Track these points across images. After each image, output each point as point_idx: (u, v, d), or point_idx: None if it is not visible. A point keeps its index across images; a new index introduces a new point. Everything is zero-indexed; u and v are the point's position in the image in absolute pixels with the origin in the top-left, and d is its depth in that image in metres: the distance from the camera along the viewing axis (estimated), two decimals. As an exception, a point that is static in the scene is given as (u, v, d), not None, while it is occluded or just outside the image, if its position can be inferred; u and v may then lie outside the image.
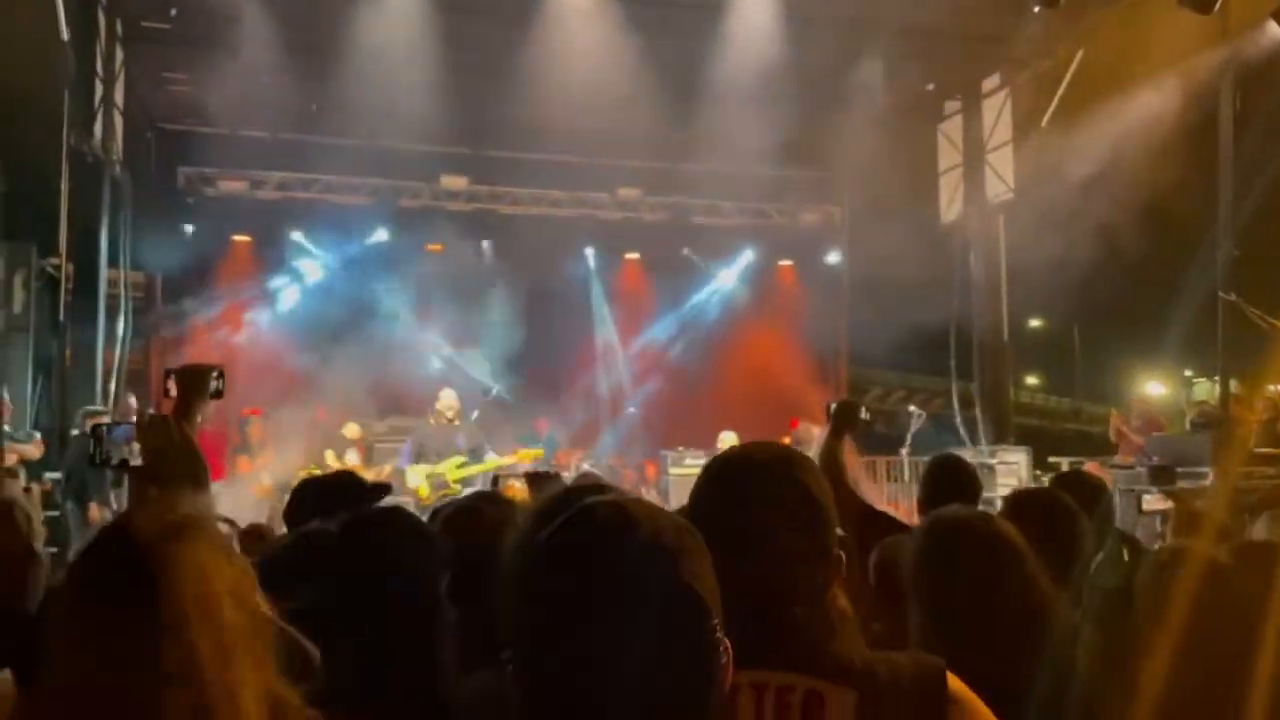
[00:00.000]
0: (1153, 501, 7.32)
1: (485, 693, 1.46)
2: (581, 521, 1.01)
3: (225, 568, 1.17)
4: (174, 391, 2.33)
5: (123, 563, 1.13)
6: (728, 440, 10.34)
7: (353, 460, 9.92)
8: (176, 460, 1.89)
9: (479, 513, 2.04)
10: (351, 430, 10.65)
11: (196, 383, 2.31)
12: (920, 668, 1.31)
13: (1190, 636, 1.64)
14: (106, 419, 8.69)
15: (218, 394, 2.36)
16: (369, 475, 8.45)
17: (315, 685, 1.24)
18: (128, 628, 1.09)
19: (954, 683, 1.31)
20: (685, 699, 0.96)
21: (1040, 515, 2.28)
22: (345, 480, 2.97)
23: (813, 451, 10.46)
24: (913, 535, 2.02)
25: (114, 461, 2.33)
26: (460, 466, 9.01)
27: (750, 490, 1.38)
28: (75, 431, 8.36)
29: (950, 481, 3.16)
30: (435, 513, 2.70)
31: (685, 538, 1.02)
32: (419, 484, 8.92)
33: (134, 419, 8.22)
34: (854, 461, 3.51)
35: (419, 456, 9.16)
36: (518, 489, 2.73)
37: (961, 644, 1.60)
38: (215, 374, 2.34)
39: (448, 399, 9.37)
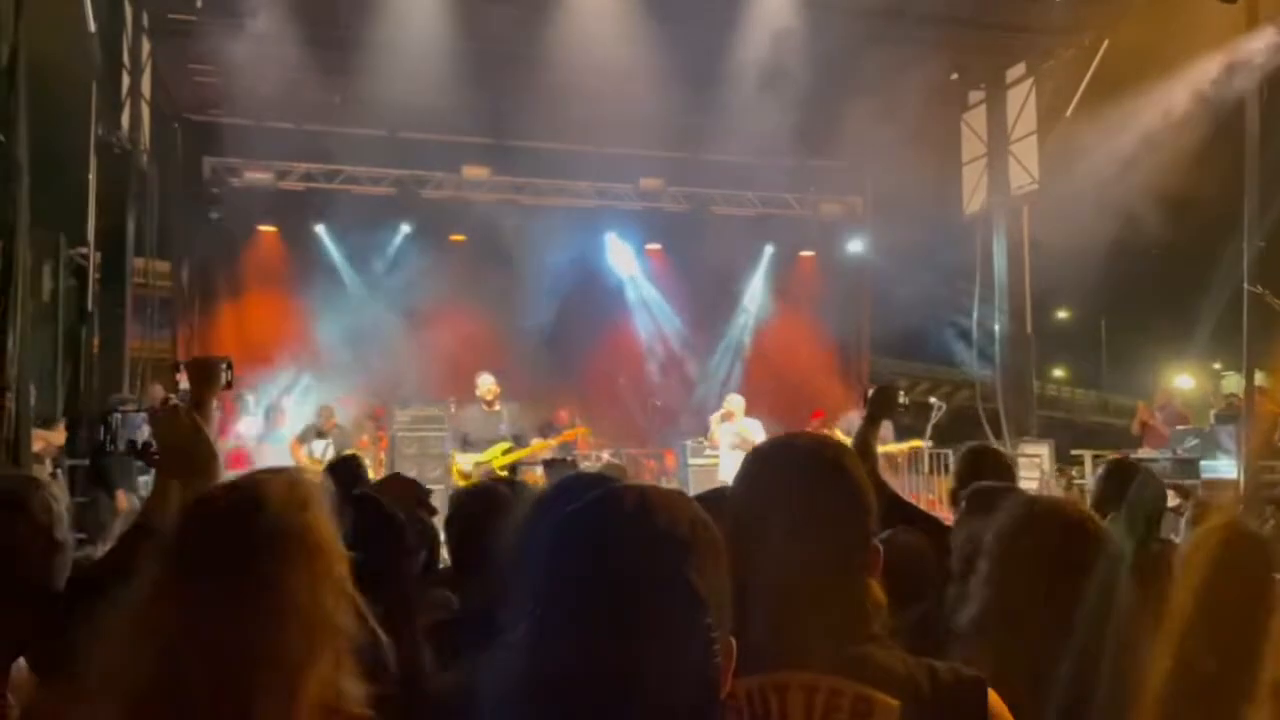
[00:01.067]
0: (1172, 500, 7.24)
1: (459, 688, 1.48)
2: (606, 502, 1.05)
3: (328, 548, 1.19)
4: (185, 384, 2.37)
5: (251, 521, 1.14)
6: (734, 404, 10.31)
7: (316, 450, 9.43)
8: (187, 449, 1.92)
9: (491, 492, 2.08)
10: (325, 414, 10.15)
11: (207, 374, 2.35)
12: (962, 681, 1.32)
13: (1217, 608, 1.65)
14: (134, 408, 8.83)
15: (228, 385, 2.40)
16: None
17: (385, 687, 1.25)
18: (238, 586, 1.11)
19: (994, 699, 1.32)
20: (678, 686, 0.98)
21: None
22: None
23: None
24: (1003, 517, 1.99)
25: (122, 447, 2.36)
26: (506, 453, 9.06)
27: (795, 477, 1.39)
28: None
29: (984, 472, 3.08)
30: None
31: (700, 531, 1.05)
32: (469, 470, 8.98)
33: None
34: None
35: (463, 444, 9.23)
36: (537, 476, 2.77)
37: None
38: (225, 365, 2.38)
39: (486, 383, 9.30)
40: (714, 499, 2.37)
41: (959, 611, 1.89)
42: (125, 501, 8.17)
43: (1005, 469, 3.17)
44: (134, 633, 1.11)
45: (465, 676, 1.47)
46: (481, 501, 2.08)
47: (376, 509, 2.03)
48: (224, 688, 1.08)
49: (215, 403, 2.39)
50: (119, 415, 2.05)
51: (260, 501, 1.15)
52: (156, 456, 2.16)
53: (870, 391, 3.25)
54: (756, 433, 10.23)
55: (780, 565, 1.31)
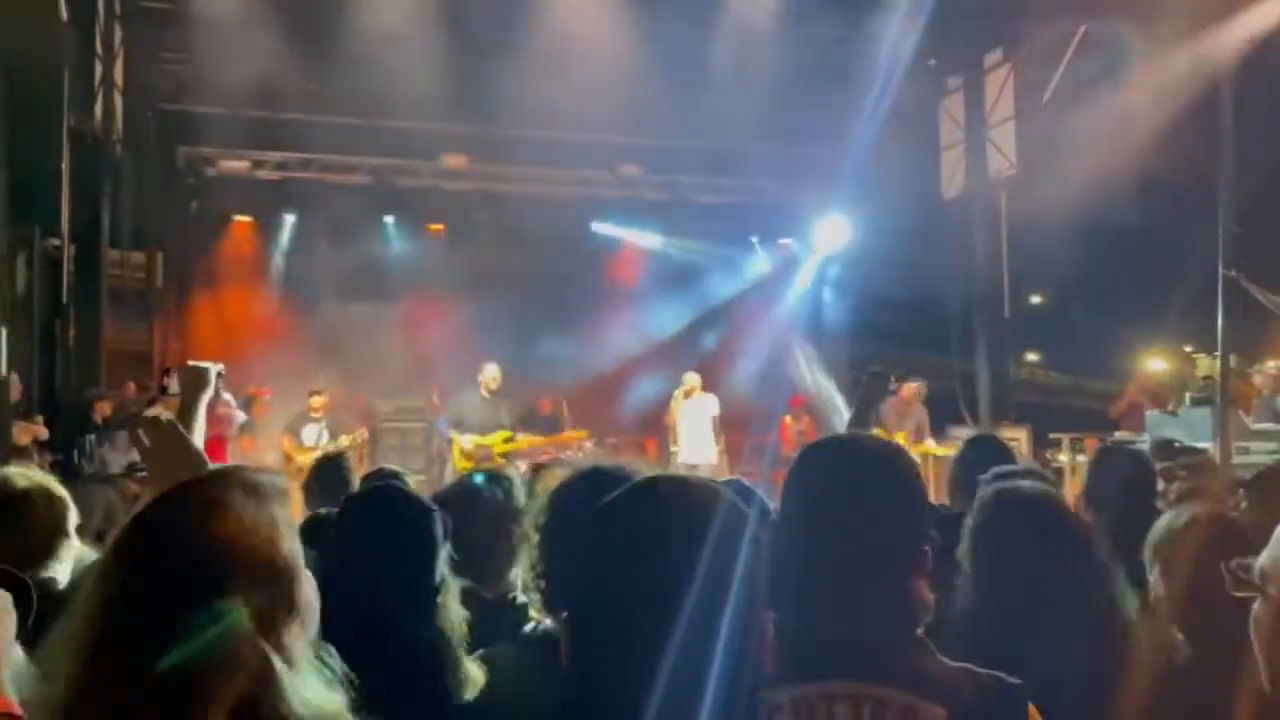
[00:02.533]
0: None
1: (504, 661, 1.49)
2: (647, 489, 1.07)
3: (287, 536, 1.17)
4: (174, 389, 2.33)
5: (183, 528, 1.11)
6: (691, 380, 10.45)
7: (310, 438, 9.30)
8: (175, 460, 1.89)
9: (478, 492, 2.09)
10: (316, 402, 9.99)
11: (198, 381, 2.32)
12: (1003, 688, 1.32)
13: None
14: (107, 401, 8.75)
15: (218, 393, 2.37)
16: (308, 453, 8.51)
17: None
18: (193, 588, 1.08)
19: (1032, 709, 1.33)
20: (733, 675, 0.99)
21: None
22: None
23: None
24: (977, 504, 1.99)
25: (95, 469, 2.35)
26: (507, 441, 9.28)
27: (851, 480, 1.37)
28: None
29: (989, 461, 3.09)
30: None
31: (739, 519, 1.06)
32: (468, 448, 9.13)
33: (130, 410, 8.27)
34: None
35: (458, 427, 9.33)
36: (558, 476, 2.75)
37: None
38: (217, 373, 2.35)
39: (492, 372, 9.51)
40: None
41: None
42: (97, 491, 8.10)
43: (1008, 458, 3.15)
44: (77, 645, 1.09)
45: (495, 674, 1.48)
46: (472, 500, 2.09)
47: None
48: (152, 703, 1.05)
49: (204, 407, 2.35)
50: (92, 437, 2.02)
51: (209, 510, 1.12)
52: (145, 474, 2.14)
53: (864, 376, 3.26)
54: (713, 407, 10.41)
55: (831, 570, 1.31)
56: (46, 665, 1.14)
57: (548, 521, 1.57)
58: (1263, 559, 1.34)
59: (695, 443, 10.32)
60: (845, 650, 1.29)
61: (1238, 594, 1.32)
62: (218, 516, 1.12)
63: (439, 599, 1.82)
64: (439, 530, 1.94)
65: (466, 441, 9.20)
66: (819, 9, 10.70)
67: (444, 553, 1.89)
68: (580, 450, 11.72)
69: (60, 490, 2.45)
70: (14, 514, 2.31)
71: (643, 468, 1.41)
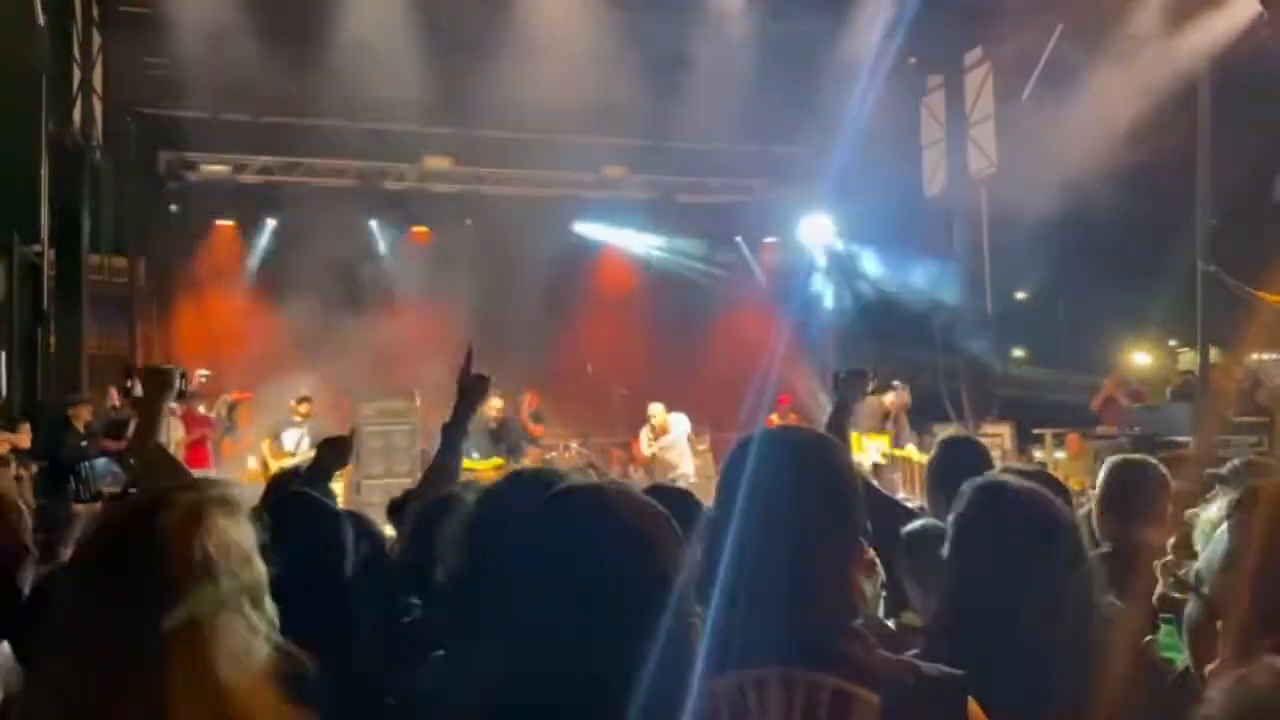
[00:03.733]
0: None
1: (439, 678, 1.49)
2: (568, 502, 1.06)
3: (247, 560, 1.18)
4: (138, 390, 2.37)
5: (149, 544, 1.13)
6: (657, 412, 10.23)
7: (290, 443, 9.24)
8: (159, 481, 1.91)
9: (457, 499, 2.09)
10: (301, 408, 9.91)
11: (161, 383, 2.35)
12: (943, 681, 1.32)
13: None
14: (87, 407, 8.70)
15: (181, 395, 2.40)
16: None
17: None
18: (142, 612, 1.10)
19: (973, 706, 1.33)
20: (658, 673, 0.99)
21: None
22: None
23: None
24: (958, 501, 1.98)
25: (95, 497, 2.39)
26: (497, 469, 9.11)
27: (784, 472, 1.36)
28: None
29: (963, 463, 3.01)
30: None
31: (660, 523, 1.05)
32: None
33: (114, 415, 8.24)
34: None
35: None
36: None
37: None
38: (180, 374, 2.38)
39: (494, 403, 9.44)
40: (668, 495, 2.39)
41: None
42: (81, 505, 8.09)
43: (984, 457, 3.15)
44: (52, 660, 1.11)
45: (432, 679, 1.48)
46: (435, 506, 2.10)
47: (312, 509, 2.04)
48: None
49: (167, 409, 2.39)
50: (89, 464, 2.06)
51: (152, 524, 1.14)
52: (130, 493, 2.17)
53: (840, 374, 3.23)
54: (684, 426, 10.16)
55: (761, 559, 1.30)
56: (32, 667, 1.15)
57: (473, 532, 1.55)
58: (1199, 562, 1.37)
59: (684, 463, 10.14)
60: (777, 638, 1.28)
61: (1176, 594, 1.34)
62: (195, 527, 1.15)
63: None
64: (346, 535, 1.98)
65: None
66: (800, 9, 10.73)
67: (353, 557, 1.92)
68: (568, 451, 11.76)
69: (17, 502, 2.47)
70: None
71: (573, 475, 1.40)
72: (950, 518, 1.92)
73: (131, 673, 1.07)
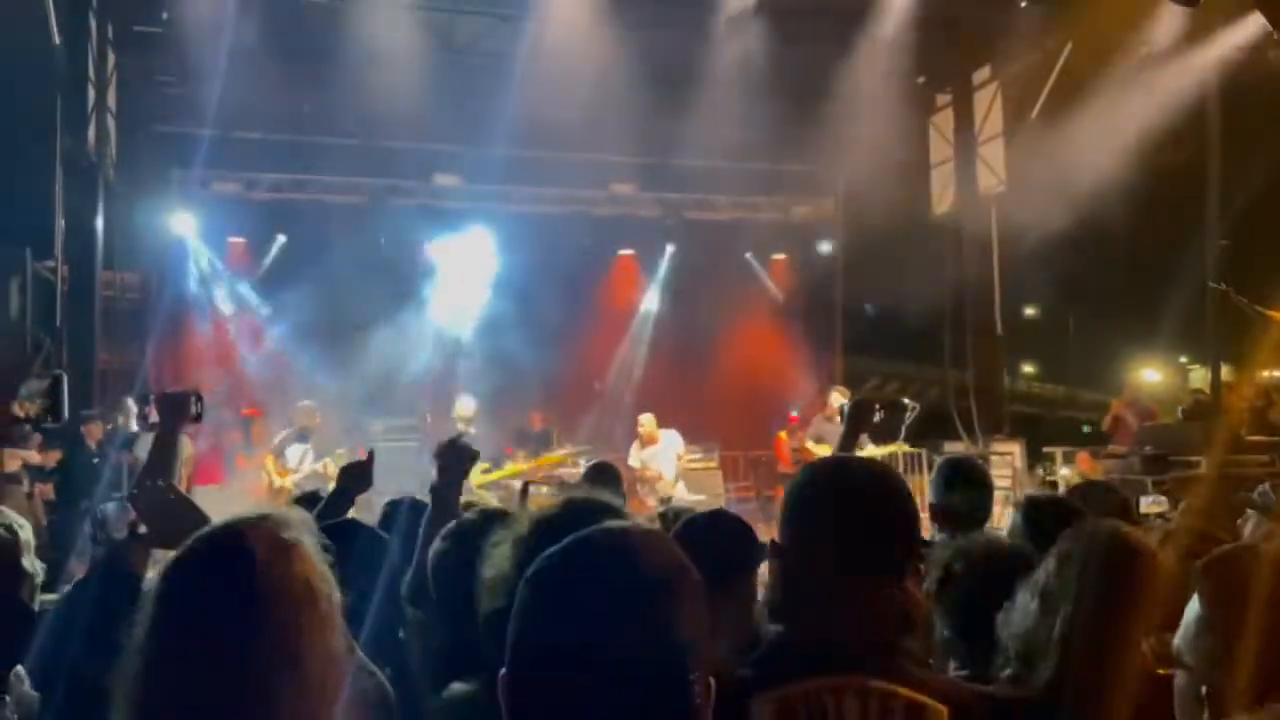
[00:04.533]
0: (1150, 505, 7.27)
1: (461, 700, 1.50)
2: (578, 552, 1.05)
3: (327, 590, 1.18)
4: (154, 417, 2.38)
5: (237, 575, 1.12)
6: (646, 422, 10.16)
7: (294, 459, 9.00)
8: (174, 525, 1.91)
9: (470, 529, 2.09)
10: (303, 414, 9.62)
11: (177, 408, 2.36)
12: (999, 699, 1.39)
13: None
14: (98, 424, 8.74)
15: (197, 418, 2.42)
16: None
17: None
18: (237, 639, 1.09)
19: None
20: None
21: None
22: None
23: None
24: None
25: (108, 537, 2.42)
26: (484, 473, 9.19)
27: (853, 490, 1.47)
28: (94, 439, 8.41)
29: (961, 484, 3.14)
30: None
31: (678, 575, 1.05)
32: None
33: (134, 428, 8.26)
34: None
35: None
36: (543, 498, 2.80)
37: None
38: (195, 399, 2.39)
39: (463, 407, 9.47)
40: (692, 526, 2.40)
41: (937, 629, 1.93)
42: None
43: (982, 480, 3.20)
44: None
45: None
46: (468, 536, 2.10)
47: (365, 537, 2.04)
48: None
49: (184, 434, 2.40)
50: (103, 509, 2.07)
51: (248, 556, 1.13)
52: (146, 534, 2.18)
53: (846, 406, 3.30)
54: (677, 445, 10.05)
55: (837, 572, 1.39)
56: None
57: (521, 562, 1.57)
58: (1178, 638, 1.44)
59: (660, 488, 9.96)
60: (851, 647, 1.35)
61: (1160, 670, 1.41)
62: (290, 551, 1.16)
63: None
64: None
65: None
66: (808, 28, 10.78)
67: None
68: (575, 467, 11.74)
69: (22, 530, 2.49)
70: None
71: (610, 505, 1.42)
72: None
73: (243, 703, 1.07)
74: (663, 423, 11.36)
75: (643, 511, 9.95)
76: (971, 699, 1.35)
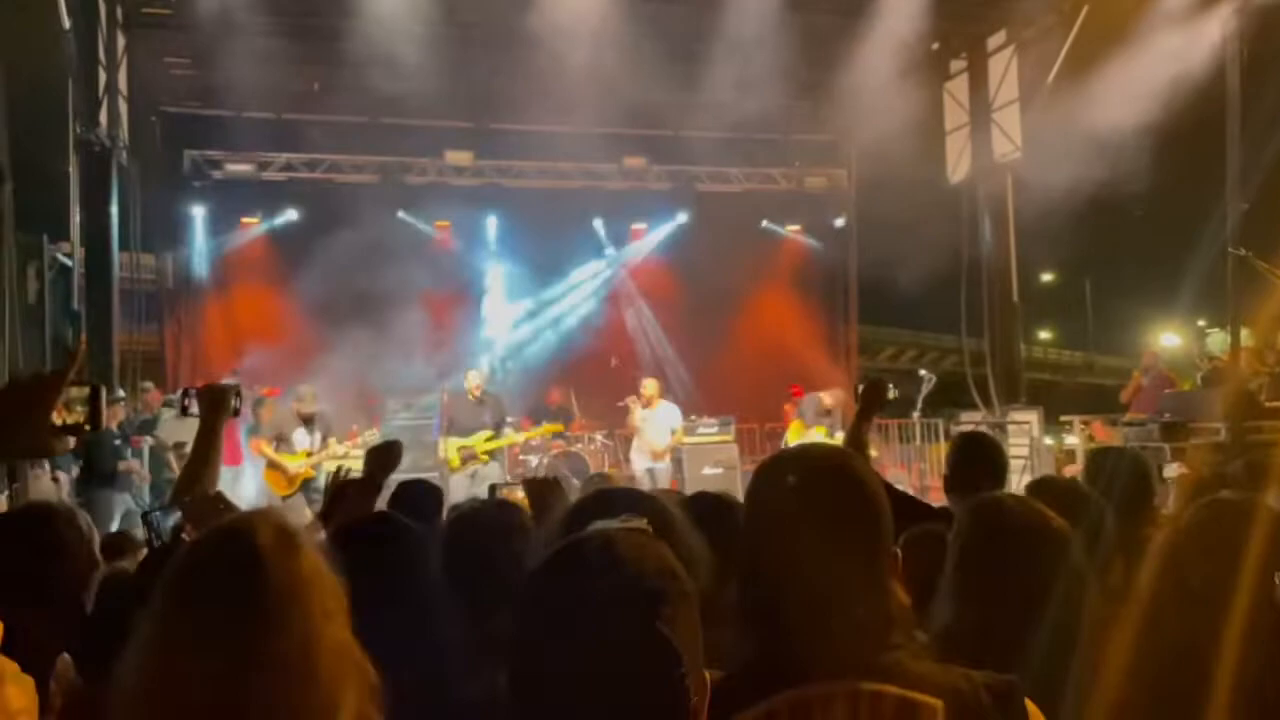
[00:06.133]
0: (1174, 470, 7.23)
1: (490, 695, 1.52)
2: (568, 559, 1.07)
3: (330, 583, 1.20)
4: (194, 409, 2.40)
5: (244, 566, 1.14)
6: (649, 385, 10.37)
7: (301, 441, 8.57)
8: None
9: (486, 517, 2.10)
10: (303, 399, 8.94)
11: (218, 403, 2.38)
12: (999, 686, 1.33)
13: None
14: (121, 409, 8.79)
15: (236, 412, 2.43)
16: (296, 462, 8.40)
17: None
18: (241, 628, 1.11)
19: (1030, 704, 1.34)
20: None
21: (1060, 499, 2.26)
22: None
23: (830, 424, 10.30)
24: (956, 522, 1.98)
25: (166, 545, 2.45)
26: (488, 440, 9.56)
27: (812, 489, 1.38)
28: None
29: (977, 459, 3.14)
30: (452, 510, 2.79)
31: (668, 581, 1.06)
32: (451, 455, 9.45)
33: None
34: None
35: (449, 428, 9.64)
36: (518, 497, 2.79)
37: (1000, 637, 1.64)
38: (234, 393, 2.41)
39: (473, 379, 9.83)
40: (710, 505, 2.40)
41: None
42: (116, 496, 8.28)
43: (998, 455, 3.19)
44: (142, 692, 1.12)
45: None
46: (485, 526, 2.10)
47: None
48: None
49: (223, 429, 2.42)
50: (157, 516, 2.09)
51: (253, 548, 1.15)
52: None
53: (860, 387, 3.26)
54: (674, 418, 10.27)
55: (807, 577, 1.32)
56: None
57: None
58: None
59: (652, 449, 10.12)
60: (833, 652, 1.30)
61: None
62: (291, 545, 1.19)
63: None
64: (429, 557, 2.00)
65: (451, 447, 9.51)
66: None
67: None
68: (592, 445, 11.79)
69: (76, 518, 2.52)
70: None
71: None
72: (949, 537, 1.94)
73: (242, 693, 1.09)
74: (677, 399, 11.44)
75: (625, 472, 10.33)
76: (967, 686, 1.30)
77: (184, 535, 1.96)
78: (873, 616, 1.34)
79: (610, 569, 1.03)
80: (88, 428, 1.64)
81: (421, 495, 3.54)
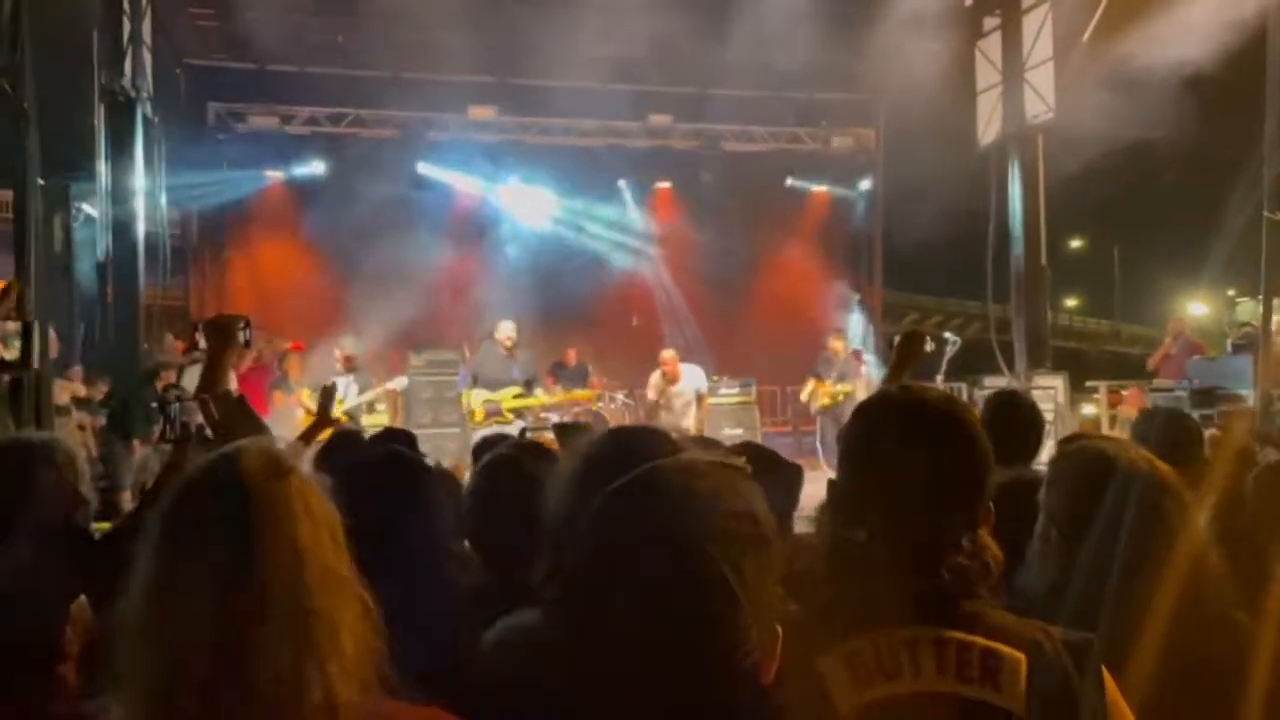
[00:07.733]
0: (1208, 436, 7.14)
1: (513, 635, 1.50)
2: (646, 484, 1.01)
3: (323, 511, 1.19)
4: (203, 344, 2.40)
5: (228, 489, 1.14)
6: (669, 357, 9.85)
7: (339, 391, 8.97)
8: (239, 431, 1.94)
9: (518, 463, 2.07)
10: (341, 349, 9.52)
11: (225, 334, 2.38)
12: (1078, 645, 1.32)
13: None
14: (173, 374, 8.86)
15: (246, 344, 2.43)
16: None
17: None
18: (231, 556, 1.10)
19: (1105, 673, 1.33)
20: (706, 683, 0.97)
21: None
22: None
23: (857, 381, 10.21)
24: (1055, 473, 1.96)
25: (183, 434, 2.43)
26: (516, 397, 9.31)
27: (923, 433, 1.36)
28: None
29: (1013, 421, 3.01)
30: (477, 454, 2.75)
31: (741, 524, 1.01)
32: (476, 408, 9.30)
33: (180, 361, 8.36)
34: None
35: (475, 381, 9.49)
36: (549, 440, 2.77)
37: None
38: (242, 325, 2.41)
39: (506, 329, 9.46)
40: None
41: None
42: (139, 449, 8.33)
43: (1035, 416, 3.09)
44: (139, 624, 1.11)
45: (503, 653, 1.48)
46: (509, 468, 2.07)
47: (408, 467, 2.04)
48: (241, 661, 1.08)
49: (231, 360, 2.42)
50: (177, 405, 2.10)
51: (242, 475, 1.15)
52: (210, 438, 2.22)
53: (896, 339, 3.20)
54: (699, 381, 9.91)
55: (912, 522, 1.32)
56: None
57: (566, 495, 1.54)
58: None
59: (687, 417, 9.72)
60: (925, 600, 1.30)
61: None
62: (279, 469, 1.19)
63: None
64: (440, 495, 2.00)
65: (478, 397, 9.33)
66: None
67: None
68: (613, 404, 11.80)
69: (71, 452, 2.55)
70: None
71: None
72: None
73: (228, 613, 1.09)
74: (700, 360, 11.30)
75: None
76: (1047, 641, 1.30)
77: (196, 428, 1.96)
78: (969, 566, 1.33)
79: (687, 499, 0.99)
80: (21, 367, 1.64)
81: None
